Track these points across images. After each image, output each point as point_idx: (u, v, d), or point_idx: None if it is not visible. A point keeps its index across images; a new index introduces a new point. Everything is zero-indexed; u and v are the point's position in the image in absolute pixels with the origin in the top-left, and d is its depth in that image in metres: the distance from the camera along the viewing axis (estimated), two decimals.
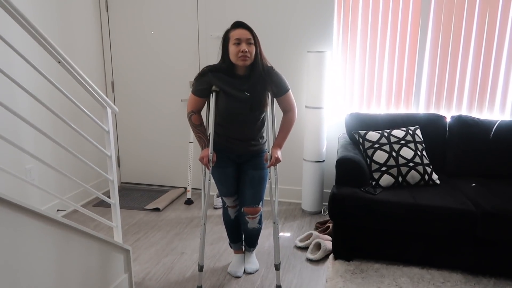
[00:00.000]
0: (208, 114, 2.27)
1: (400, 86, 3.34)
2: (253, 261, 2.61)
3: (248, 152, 2.30)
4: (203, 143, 2.27)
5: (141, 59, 3.85)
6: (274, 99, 2.29)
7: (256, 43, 2.12)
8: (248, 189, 2.33)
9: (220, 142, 2.28)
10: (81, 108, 1.89)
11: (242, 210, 2.38)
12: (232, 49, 2.09)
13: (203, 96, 2.24)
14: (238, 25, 2.11)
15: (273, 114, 2.32)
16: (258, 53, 2.13)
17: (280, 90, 2.24)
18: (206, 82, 2.19)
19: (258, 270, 2.58)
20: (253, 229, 2.43)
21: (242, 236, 2.58)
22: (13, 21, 1.49)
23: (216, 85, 2.19)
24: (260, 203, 2.36)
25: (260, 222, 2.43)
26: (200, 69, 2.25)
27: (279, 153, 2.24)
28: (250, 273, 2.54)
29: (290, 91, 2.28)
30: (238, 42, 2.07)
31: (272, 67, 2.22)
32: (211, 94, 2.21)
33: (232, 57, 2.11)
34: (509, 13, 3.01)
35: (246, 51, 2.07)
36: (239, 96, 2.16)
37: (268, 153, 2.23)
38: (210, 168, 2.23)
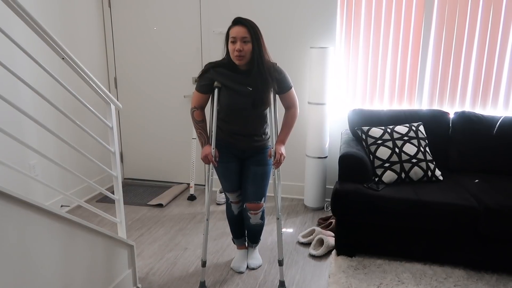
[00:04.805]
0: (212, 111, 2.28)
1: (403, 82, 3.33)
2: (256, 257, 2.62)
3: (251, 148, 2.30)
4: (203, 140, 2.29)
5: (144, 55, 3.85)
6: (277, 95, 2.30)
7: (254, 40, 2.09)
8: (251, 185, 2.33)
9: (223, 138, 2.29)
10: (85, 104, 1.89)
11: (244, 206, 2.39)
12: (229, 47, 2.13)
13: (205, 92, 2.25)
14: (236, 22, 2.11)
15: (275, 111, 2.32)
16: (256, 50, 2.10)
17: (283, 88, 2.25)
18: (208, 78, 2.21)
19: (261, 265, 2.59)
20: (256, 225, 2.44)
21: (245, 232, 2.59)
22: (17, 18, 1.49)
23: (218, 81, 2.20)
24: (263, 199, 2.37)
25: (262, 218, 2.43)
26: (203, 65, 2.25)
27: (282, 149, 2.24)
28: (253, 269, 2.55)
29: (292, 88, 2.28)
30: (234, 41, 2.09)
31: (275, 64, 2.22)
32: (214, 91, 2.22)
33: (230, 55, 2.14)
34: None
35: (240, 50, 2.07)
36: (241, 91, 2.17)
37: (272, 149, 2.24)
38: (216, 163, 2.24)
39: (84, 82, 1.88)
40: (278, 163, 2.22)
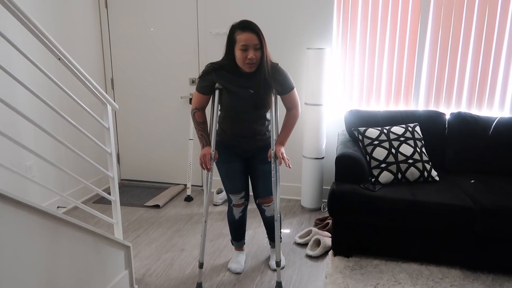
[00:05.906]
0: (213, 112, 2.26)
1: (399, 82, 3.34)
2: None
3: (255, 147, 2.30)
4: (205, 141, 2.26)
5: (141, 56, 3.85)
6: (278, 96, 2.28)
7: (263, 45, 2.05)
8: (261, 182, 2.35)
9: (226, 139, 2.29)
10: (82, 105, 1.89)
11: (257, 201, 2.44)
12: (238, 54, 2.04)
13: (206, 93, 2.23)
14: (246, 27, 2.02)
15: (276, 112, 2.30)
16: (265, 56, 2.07)
17: (284, 89, 2.22)
18: (209, 79, 2.18)
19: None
20: (271, 217, 2.47)
21: (245, 234, 2.61)
22: (13, 18, 1.49)
23: (219, 83, 2.17)
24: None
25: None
26: (201, 66, 2.24)
27: (282, 150, 2.23)
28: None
29: (294, 89, 2.26)
30: (245, 49, 2.01)
31: (277, 64, 2.19)
32: (215, 92, 2.20)
33: (239, 62, 2.07)
34: (508, 9, 3.01)
35: (253, 58, 2.02)
36: (243, 94, 2.15)
37: (272, 151, 2.22)
38: (211, 167, 2.20)
39: (80, 83, 1.88)
40: (283, 161, 2.18)
